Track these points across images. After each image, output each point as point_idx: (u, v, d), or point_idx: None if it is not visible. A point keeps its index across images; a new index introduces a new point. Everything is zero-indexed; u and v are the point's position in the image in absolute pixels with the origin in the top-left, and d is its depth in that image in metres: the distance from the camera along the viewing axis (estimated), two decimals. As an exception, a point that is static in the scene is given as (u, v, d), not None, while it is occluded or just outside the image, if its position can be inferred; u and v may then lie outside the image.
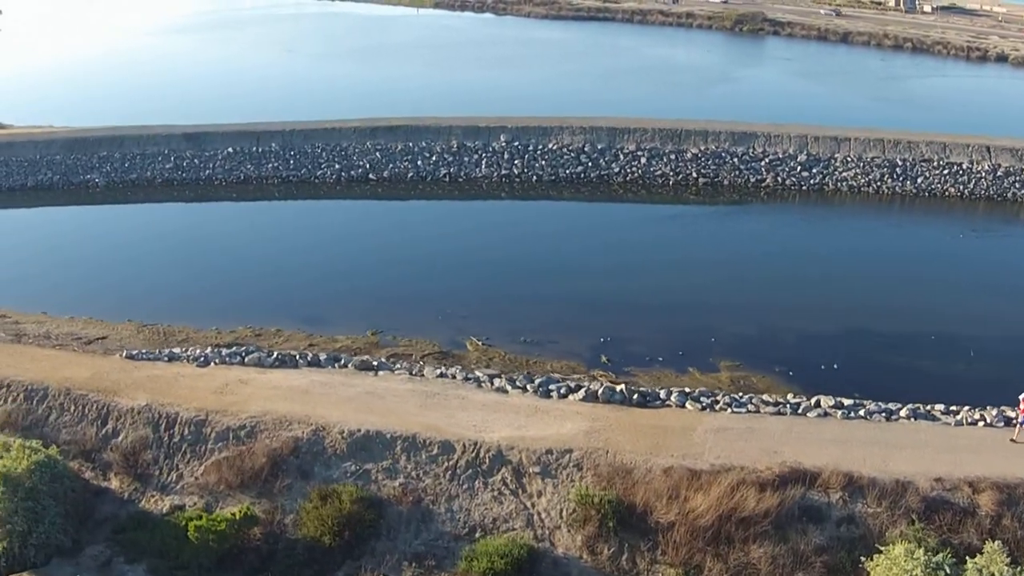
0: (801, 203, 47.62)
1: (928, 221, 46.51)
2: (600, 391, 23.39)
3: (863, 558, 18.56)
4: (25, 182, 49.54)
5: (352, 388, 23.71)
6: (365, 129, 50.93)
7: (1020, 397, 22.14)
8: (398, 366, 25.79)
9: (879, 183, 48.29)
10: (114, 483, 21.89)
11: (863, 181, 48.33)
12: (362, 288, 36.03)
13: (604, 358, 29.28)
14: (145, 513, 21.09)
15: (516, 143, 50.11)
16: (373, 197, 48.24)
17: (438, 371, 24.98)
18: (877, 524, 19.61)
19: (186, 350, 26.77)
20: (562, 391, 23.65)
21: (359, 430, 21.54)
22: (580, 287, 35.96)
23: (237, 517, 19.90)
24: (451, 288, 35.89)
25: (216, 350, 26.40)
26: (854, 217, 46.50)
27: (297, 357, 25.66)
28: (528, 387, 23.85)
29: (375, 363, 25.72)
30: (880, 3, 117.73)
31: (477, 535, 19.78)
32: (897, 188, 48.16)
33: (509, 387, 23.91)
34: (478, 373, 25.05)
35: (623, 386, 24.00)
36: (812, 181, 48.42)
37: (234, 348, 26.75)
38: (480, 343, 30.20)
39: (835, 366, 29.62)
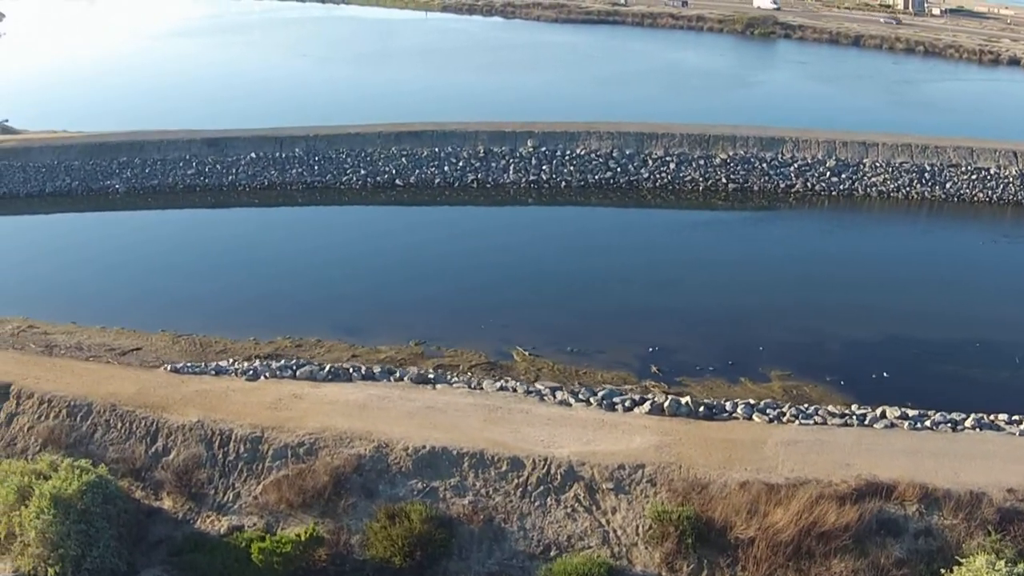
0: (831, 208, 47.23)
1: (958, 226, 46.20)
2: (666, 404, 22.83)
3: (943, 570, 18.30)
4: (43, 188, 48.79)
5: (412, 402, 23.09)
6: (390, 134, 50.24)
7: None
8: (455, 379, 25.18)
9: (908, 188, 47.94)
10: (167, 503, 21.25)
11: (892, 186, 47.97)
12: (397, 296, 35.43)
13: (655, 368, 28.74)
14: (202, 534, 20.45)
15: (543, 148, 49.55)
16: (400, 203, 47.64)
17: (498, 384, 24.38)
18: (954, 536, 19.42)
19: (233, 363, 26.09)
20: (627, 404, 23.09)
21: (424, 446, 20.93)
22: (618, 294, 35.50)
23: (303, 538, 19.27)
24: (487, 296, 35.41)
25: (265, 363, 25.73)
26: (885, 222, 46.14)
27: (351, 370, 25.01)
28: (592, 400, 23.29)
29: (431, 376, 25.10)
30: (889, 6, 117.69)
31: (552, 553, 19.24)
32: (926, 193, 47.82)
33: (572, 400, 23.35)
34: (539, 386, 24.48)
35: (688, 399, 23.44)
36: (842, 186, 48.00)
37: (283, 361, 26.09)
38: (527, 353, 29.62)
39: (885, 374, 29.26)
